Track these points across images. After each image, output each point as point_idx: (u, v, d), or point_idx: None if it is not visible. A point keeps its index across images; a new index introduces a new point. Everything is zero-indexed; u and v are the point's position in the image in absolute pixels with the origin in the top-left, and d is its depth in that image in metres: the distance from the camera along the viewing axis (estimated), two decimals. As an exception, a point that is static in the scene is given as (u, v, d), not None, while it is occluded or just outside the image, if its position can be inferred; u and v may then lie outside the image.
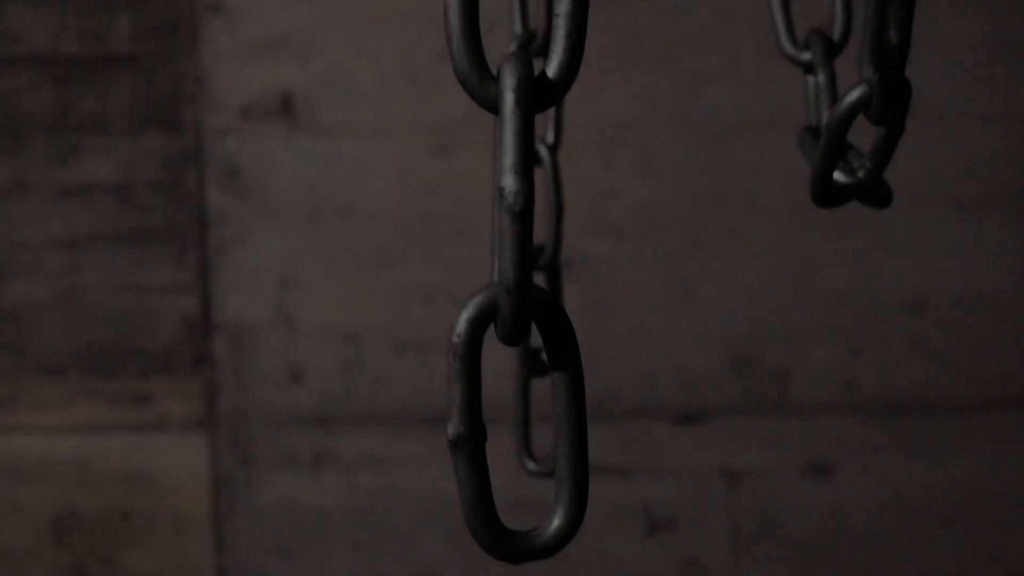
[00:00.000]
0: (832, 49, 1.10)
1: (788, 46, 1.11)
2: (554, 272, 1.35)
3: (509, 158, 0.67)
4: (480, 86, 0.68)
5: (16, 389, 2.06)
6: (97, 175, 2.03)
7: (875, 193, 0.97)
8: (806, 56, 1.10)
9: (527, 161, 0.67)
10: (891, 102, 0.89)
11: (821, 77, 1.09)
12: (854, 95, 0.91)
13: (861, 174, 0.96)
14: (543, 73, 0.69)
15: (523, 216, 0.67)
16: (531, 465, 1.39)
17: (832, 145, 0.94)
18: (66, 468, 2.07)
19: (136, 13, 2.01)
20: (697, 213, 2.03)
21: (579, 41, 0.68)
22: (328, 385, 2.06)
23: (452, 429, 0.69)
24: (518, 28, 1.37)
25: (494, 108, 0.68)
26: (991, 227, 2.03)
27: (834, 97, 1.07)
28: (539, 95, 0.68)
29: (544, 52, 1.34)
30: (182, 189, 2.03)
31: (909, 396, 2.05)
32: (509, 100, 0.67)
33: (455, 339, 0.68)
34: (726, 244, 2.04)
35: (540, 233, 1.37)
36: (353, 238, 2.04)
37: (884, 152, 0.93)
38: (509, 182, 0.67)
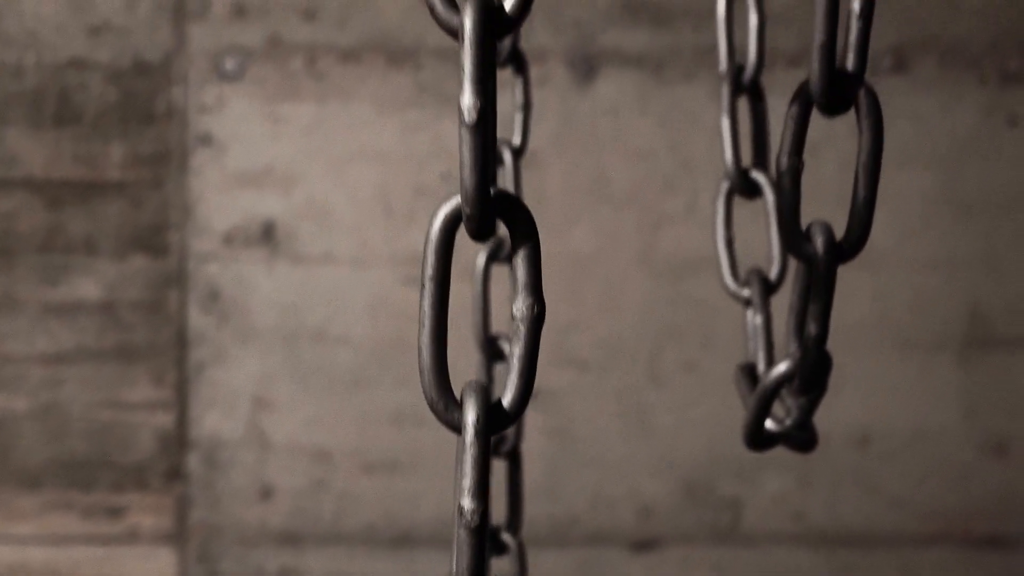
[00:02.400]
0: (768, 288, 1.17)
1: (730, 282, 1.19)
2: (514, 458, 1.41)
3: (467, 482, 0.74)
4: (446, 414, 0.76)
5: (-6, 498, 2.11)
6: (84, 294, 2.10)
7: (801, 440, 1.05)
8: (745, 293, 1.18)
9: (484, 484, 0.74)
10: (812, 378, 0.99)
11: (758, 318, 1.16)
12: (780, 369, 1.00)
13: (789, 423, 1.04)
14: (499, 403, 0.77)
15: (479, 531, 0.74)
16: None
17: (761, 407, 1.03)
18: (37, 578, 2.11)
19: (129, 142, 2.10)
20: (656, 346, 2.11)
21: (530, 380, 0.77)
22: (297, 503, 2.11)
23: None
24: None
25: (458, 431, 0.76)
26: (935, 367, 2.12)
27: (769, 336, 1.15)
28: (495, 424, 0.76)
29: (510, 259, 1.40)
30: (164, 310, 2.11)
31: (854, 529, 2.12)
32: (470, 432, 0.75)
33: None
34: (682, 377, 2.11)
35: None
36: (327, 361, 2.11)
37: (808, 409, 1.02)
38: (467, 503, 0.74)
